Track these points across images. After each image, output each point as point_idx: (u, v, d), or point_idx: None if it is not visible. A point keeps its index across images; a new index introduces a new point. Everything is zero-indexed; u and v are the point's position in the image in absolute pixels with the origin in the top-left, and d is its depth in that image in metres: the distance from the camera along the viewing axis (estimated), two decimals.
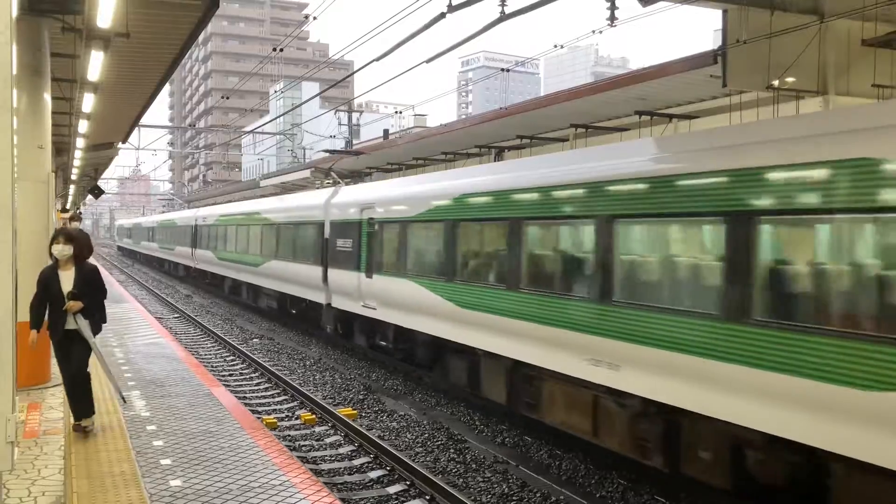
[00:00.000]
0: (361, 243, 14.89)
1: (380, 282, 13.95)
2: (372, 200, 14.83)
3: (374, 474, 9.05)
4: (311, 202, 19.01)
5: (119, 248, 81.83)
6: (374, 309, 14.20)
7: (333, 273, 16.43)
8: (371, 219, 14.58)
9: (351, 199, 16.25)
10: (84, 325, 7.63)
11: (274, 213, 21.95)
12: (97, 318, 7.86)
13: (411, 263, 12.89)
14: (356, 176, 28.86)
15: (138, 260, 61.16)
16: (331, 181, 23.27)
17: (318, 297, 17.48)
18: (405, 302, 12.87)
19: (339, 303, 16.22)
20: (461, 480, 8.82)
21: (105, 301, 8.07)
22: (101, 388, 9.98)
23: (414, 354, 13.46)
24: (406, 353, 13.91)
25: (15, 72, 3.66)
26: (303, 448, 10.12)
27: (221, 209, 30.36)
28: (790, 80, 11.45)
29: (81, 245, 7.98)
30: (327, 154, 27.85)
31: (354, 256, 15.15)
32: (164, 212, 68.70)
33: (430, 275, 11.98)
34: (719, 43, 11.59)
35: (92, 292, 7.82)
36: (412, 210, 12.93)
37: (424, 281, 12.12)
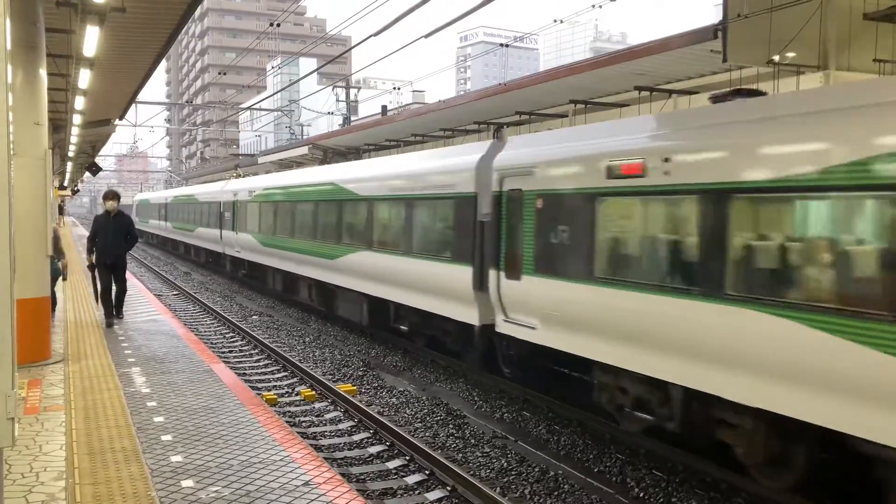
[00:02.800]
0: None
1: None
2: None
3: (373, 449, 9.10)
4: None
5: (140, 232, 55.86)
6: None
7: None
8: None
9: None
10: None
11: None
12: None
13: None
14: (354, 153, 28.69)
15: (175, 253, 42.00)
16: None
17: None
18: None
19: None
20: (460, 455, 8.88)
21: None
22: (101, 366, 10.02)
23: None
24: None
25: (9, 47, 3.62)
26: (303, 424, 10.18)
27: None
28: (791, 54, 11.39)
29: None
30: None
31: None
32: (239, 175, 35.38)
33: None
34: (720, 17, 11.51)
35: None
36: None
37: None
